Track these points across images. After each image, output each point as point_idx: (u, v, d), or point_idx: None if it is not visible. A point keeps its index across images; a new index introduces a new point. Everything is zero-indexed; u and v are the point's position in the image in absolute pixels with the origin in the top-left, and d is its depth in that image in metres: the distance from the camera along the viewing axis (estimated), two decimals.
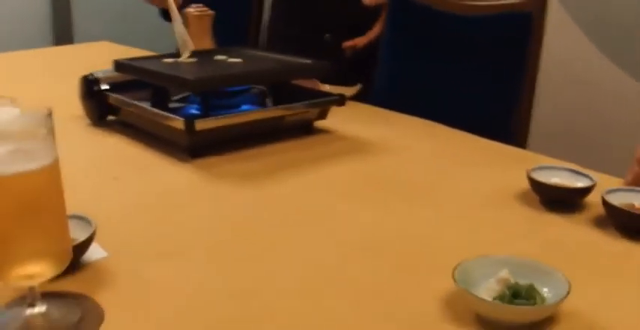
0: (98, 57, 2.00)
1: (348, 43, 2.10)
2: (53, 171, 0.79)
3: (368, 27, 2.11)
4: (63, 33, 4.09)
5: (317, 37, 2.17)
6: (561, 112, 2.77)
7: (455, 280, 0.84)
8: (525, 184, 1.21)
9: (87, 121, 1.65)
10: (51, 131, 0.78)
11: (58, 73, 2.04)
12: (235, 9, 2.65)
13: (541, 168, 1.22)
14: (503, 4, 1.82)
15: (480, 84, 1.86)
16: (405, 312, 0.87)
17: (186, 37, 1.64)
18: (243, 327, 0.84)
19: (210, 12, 1.84)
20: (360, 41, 2.10)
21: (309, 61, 1.58)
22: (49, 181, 0.79)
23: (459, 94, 1.89)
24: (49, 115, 0.78)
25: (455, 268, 0.86)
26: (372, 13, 2.08)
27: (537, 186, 1.19)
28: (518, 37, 1.79)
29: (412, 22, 1.98)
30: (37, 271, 0.79)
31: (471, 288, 0.84)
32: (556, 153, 1.40)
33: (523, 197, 1.21)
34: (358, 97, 1.88)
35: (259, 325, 0.84)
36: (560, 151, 1.47)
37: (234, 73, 1.54)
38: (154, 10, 2.18)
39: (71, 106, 1.65)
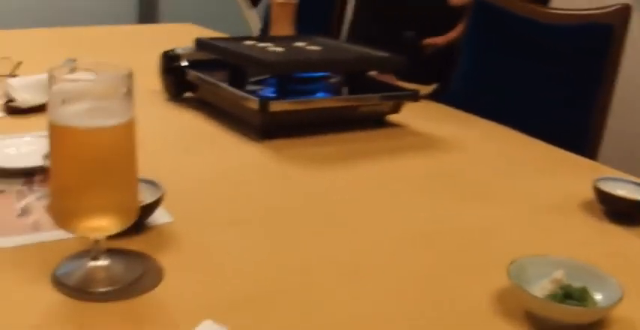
0: (180, 37, 2.04)
1: (428, 41, 2.11)
2: (128, 129, 0.82)
3: (449, 27, 2.11)
4: (148, 12, 4.18)
5: (398, 34, 2.18)
6: (635, 126, 2.72)
7: (509, 276, 0.85)
8: (590, 194, 1.20)
9: (165, 96, 1.69)
10: (129, 92, 0.81)
11: (140, 50, 2.08)
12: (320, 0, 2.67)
13: (608, 179, 1.21)
14: (585, 15, 1.80)
15: (556, 91, 1.84)
16: (455, 305, 0.87)
17: (256, 19, 1.66)
18: (290, 299, 0.86)
19: (294, 0, 1.87)
20: (441, 40, 2.10)
21: (386, 54, 1.59)
22: (123, 138, 0.82)
23: (534, 99, 1.87)
24: (128, 76, 0.80)
25: (510, 264, 0.86)
26: (455, 14, 2.08)
27: (602, 196, 1.17)
28: (598, 49, 1.77)
29: (493, 26, 1.98)
30: (103, 224, 0.82)
31: (524, 285, 0.84)
32: (626, 166, 1.39)
33: (587, 206, 1.20)
34: (433, 96, 1.89)
35: (305, 299, 0.86)
36: (631, 165, 1.45)
37: (311, 58, 1.57)
38: None
39: (150, 81, 1.69)
